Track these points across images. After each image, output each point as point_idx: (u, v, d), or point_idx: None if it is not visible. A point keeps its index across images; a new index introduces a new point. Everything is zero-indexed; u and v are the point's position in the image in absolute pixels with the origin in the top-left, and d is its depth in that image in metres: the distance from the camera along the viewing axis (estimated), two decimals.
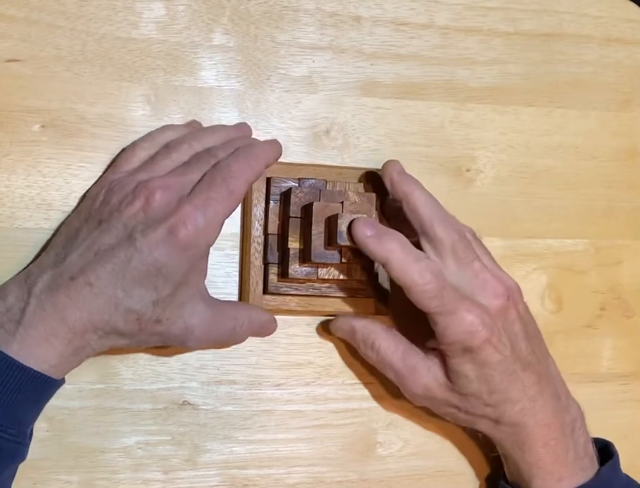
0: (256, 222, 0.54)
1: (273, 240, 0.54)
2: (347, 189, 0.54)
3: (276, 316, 0.54)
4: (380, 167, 0.55)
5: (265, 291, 0.54)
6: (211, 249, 0.49)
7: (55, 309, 0.45)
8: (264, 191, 0.54)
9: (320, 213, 0.51)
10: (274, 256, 0.54)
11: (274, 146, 0.52)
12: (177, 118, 0.54)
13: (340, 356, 0.57)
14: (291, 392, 0.56)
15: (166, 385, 0.54)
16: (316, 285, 0.54)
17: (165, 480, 0.53)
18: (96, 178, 0.52)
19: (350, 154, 0.56)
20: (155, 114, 0.54)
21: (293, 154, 0.56)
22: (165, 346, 0.51)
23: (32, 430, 0.48)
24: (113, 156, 0.53)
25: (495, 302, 0.52)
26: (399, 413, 0.57)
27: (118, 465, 0.52)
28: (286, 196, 0.53)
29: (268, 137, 0.55)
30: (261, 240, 0.54)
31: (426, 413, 0.57)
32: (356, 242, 0.50)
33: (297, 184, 0.54)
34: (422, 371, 0.52)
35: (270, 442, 0.55)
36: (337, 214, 0.50)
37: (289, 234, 0.53)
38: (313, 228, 0.51)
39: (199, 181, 0.48)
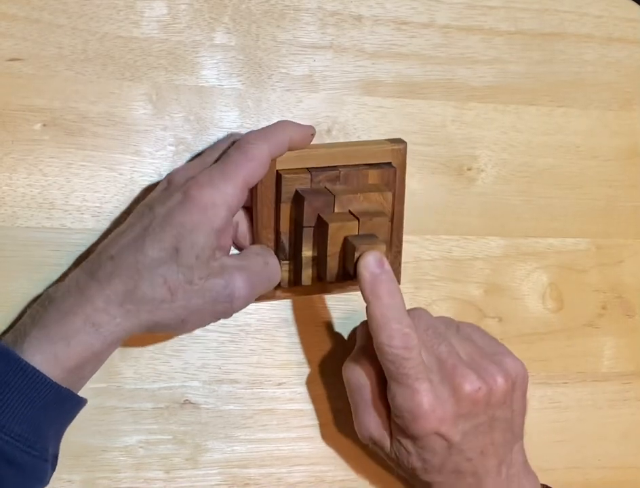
0: (265, 222, 0.51)
1: (285, 239, 0.52)
2: (365, 181, 0.52)
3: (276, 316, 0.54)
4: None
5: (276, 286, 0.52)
6: None
7: (78, 288, 0.45)
8: (274, 189, 0.51)
9: (335, 234, 0.49)
10: (285, 254, 0.52)
11: (301, 126, 0.51)
12: (179, 117, 0.54)
13: (341, 354, 0.57)
14: (293, 391, 0.56)
15: (167, 384, 0.54)
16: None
17: (166, 479, 0.53)
18: (97, 177, 0.53)
19: None
20: (157, 113, 0.54)
21: None
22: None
23: (56, 456, 0.47)
24: (115, 155, 0.53)
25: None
26: None
27: (120, 465, 0.52)
28: (298, 202, 0.51)
29: None
30: (272, 236, 0.52)
31: None
32: (357, 278, 0.48)
33: (309, 178, 0.51)
34: None
35: (272, 441, 0.55)
36: (353, 245, 0.48)
37: (303, 243, 0.51)
38: (329, 249, 0.50)
39: None
